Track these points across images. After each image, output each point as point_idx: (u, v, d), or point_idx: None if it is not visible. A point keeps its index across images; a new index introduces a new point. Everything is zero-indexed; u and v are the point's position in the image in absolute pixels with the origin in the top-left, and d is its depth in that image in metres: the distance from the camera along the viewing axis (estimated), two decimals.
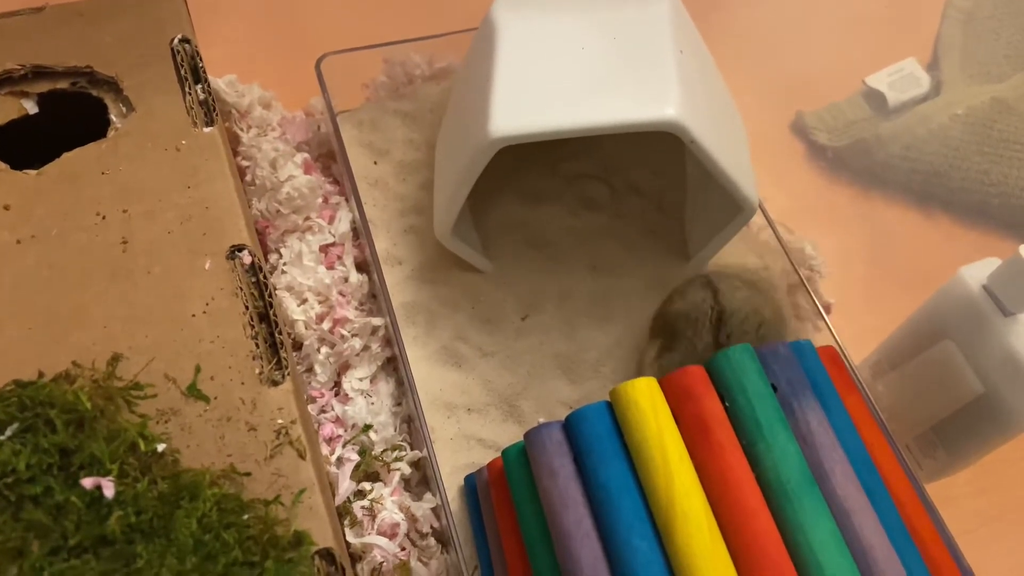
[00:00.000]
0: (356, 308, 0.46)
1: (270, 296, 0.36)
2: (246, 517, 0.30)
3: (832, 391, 0.36)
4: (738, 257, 0.48)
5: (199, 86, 0.42)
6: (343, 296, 0.45)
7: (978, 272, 0.40)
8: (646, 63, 0.40)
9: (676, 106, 0.37)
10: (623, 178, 0.51)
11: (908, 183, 0.58)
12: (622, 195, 0.51)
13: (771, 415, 0.33)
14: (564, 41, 0.41)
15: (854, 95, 0.63)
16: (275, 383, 0.34)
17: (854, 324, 0.47)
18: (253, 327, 0.35)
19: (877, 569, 0.31)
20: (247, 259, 0.36)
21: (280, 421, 0.33)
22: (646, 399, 0.33)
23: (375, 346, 0.44)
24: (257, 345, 0.34)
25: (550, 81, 0.39)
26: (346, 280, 0.46)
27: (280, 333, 0.35)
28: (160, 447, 0.31)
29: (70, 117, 0.40)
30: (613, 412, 0.33)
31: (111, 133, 0.40)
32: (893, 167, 0.58)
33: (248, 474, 0.31)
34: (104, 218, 0.37)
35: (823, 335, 0.45)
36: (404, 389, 0.44)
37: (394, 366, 0.45)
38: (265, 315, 0.35)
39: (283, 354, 0.34)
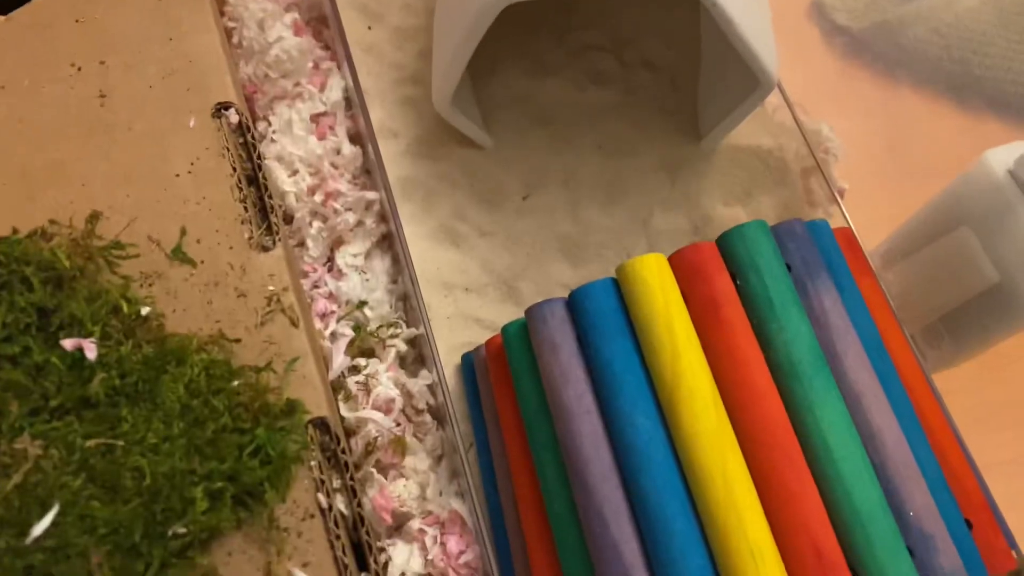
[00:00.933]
0: (349, 182, 0.43)
1: (259, 158, 0.34)
2: (236, 384, 0.29)
3: (847, 273, 0.34)
4: (751, 138, 0.46)
5: None
6: (336, 168, 0.43)
7: (1004, 156, 0.38)
8: None
9: None
10: (634, 51, 0.48)
11: (930, 68, 0.55)
12: (633, 69, 0.48)
13: (784, 294, 0.31)
14: None
15: None
16: (265, 249, 0.32)
17: (867, 211, 0.45)
18: (241, 190, 0.33)
19: (885, 452, 0.30)
20: (234, 118, 0.34)
21: (271, 288, 0.31)
22: (654, 276, 0.31)
23: (369, 221, 0.43)
24: (246, 209, 0.32)
25: None
26: (338, 152, 0.44)
27: (270, 197, 0.33)
28: (144, 310, 0.29)
29: None
30: (619, 290, 0.32)
31: None
32: (915, 51, 0.56)
33: (238, 340, 0.30)
34: (80, 69, 0.34)
35: (835, 221, 0.43)
36: (400, 267, 0.42)
37: (389, 243, 0.43)
38: (254, 178, 0.33)
39: (273, 219, 0.33)
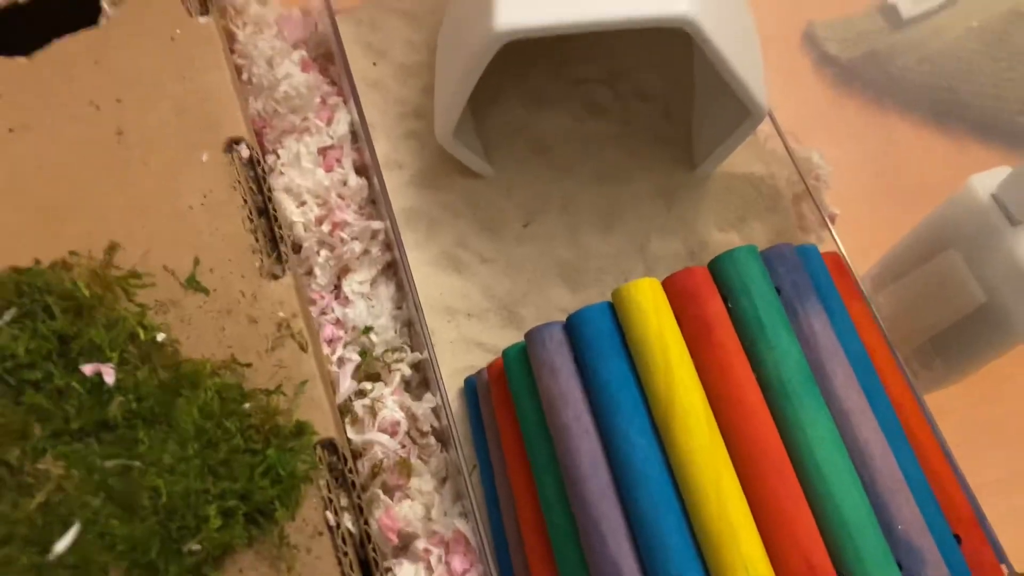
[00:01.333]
0: (355, 212, 0.45)
1: (269, 190, 0.35)
2: (247, 406, 0.30)
3: (835, 295, 0.36)
4: (745, 166, 0.47)
5: None
6: (342, 199, 0.45)
7: (988, 181, 0.40)
8: None
9: (688, 2, 0.36)
10: (629, 83, 0.50)
11: (919, 96, 0.57)
12: (628, 100, 0.50)
13: (774, 316, 0.32)
14: None
15: (869, 10, 0.61)
16: (275, 277, 0.33)
17: (858, 235, 0.46)
18: (252, 221, 0.34)
19: (873, 468, 0.31)
20: (244, 152, 0.35)
21: (281, 314, 0.32)
22: (648, 299, 0.32)
23: (375, 250, 0.44)
24: (256, 239, 0.34)
25: None
26: (345, 183, 0.46)
27: (280, 228, 0.34)
28: (160, 337, 0.31)
29: (60, 4, 0.39)
30: (615, 313, 0.33)
31: (103, 21, 0.38)
32: (905, 79, 0.57)
33: (249, 365, 0.31)
34: (98, 108, 0.36)
35: (827, 246, 0.44)
36: (404, 293, 0.43)
37: (394, 270, 0.45)
38: (264, 209, 0.35)
39: (283, 248, 0.34)
